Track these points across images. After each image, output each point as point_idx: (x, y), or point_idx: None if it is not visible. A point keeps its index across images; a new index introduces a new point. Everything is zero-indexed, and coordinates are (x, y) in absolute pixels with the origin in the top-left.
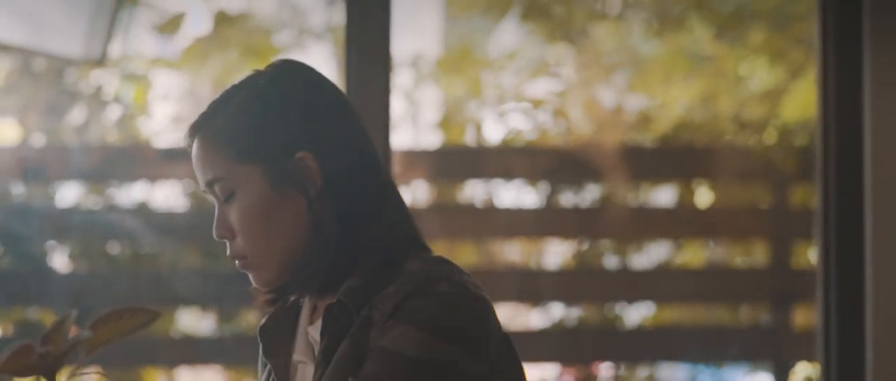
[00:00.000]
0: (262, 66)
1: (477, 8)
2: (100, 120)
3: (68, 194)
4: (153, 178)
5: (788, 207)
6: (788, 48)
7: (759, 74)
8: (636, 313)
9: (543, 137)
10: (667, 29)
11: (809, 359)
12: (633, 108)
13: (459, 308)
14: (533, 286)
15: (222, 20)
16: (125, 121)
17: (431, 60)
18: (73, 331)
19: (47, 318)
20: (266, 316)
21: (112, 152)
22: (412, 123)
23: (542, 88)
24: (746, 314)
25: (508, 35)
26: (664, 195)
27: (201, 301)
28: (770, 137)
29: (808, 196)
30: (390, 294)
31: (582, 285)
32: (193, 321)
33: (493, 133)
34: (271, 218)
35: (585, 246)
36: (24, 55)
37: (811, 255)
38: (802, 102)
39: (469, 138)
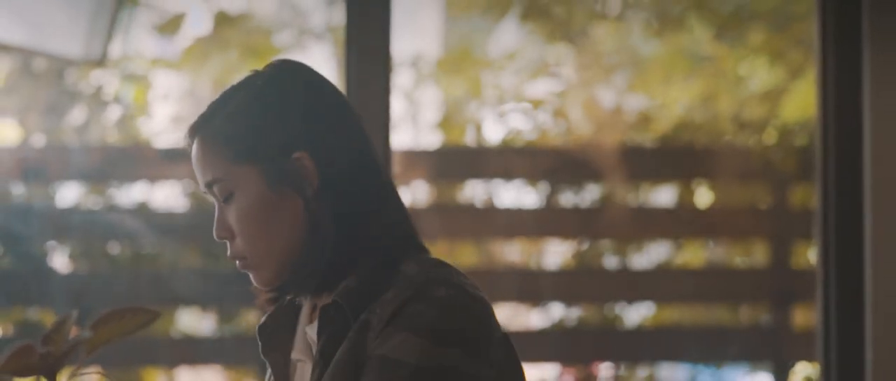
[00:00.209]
0: (261, 66)
1: (477, 8)
2: (100, 120)
3: (68, 195)
4: (153, 178)
5: (788, 207)
6: (788, 48)
7: (758, 75)
8: (636, 313)
9: (543, 137)
10: (667, 29)
11: (809, 359)
12: (633, 108)
13: (458, 311)
14: (533, 286)
15: (222, 20)
16: (125, 121)
17: (431, 60)
18: (73, 331)
19: (47, 318)
20: (265, 315)
21: (112, 153)
22: (412, 123)
23: (541, 88)
24: (746, 314)
25: (508, 35)
26: (664, 195)
27: (201, 301)
28: (770, 137)
29: (807, 196)
30: (389, 300)
31: (582, 285)
32: (193, 321)
33: (493, 133)
34: (269, 218)
35: (585, 246)
36: (25, 55)
37: (811, 255)
38: (802, 102)
39: (469, 138)
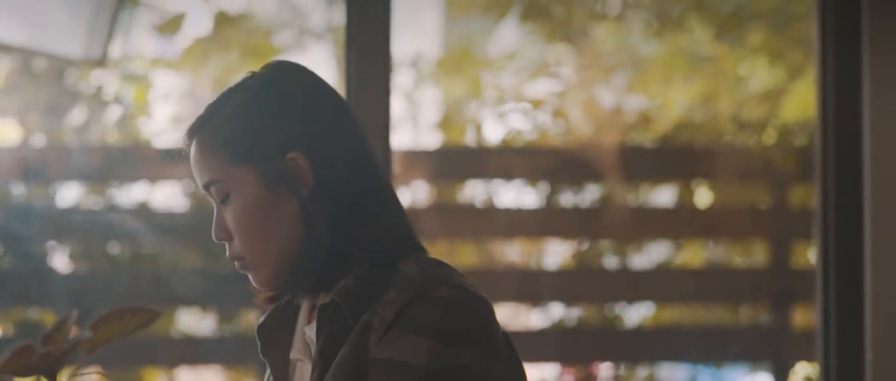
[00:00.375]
0: (261, 66)
1: (477, 8)
2: (100, 120)
3: (69, 195)
4: (153, 178)
5: (788, 207)
6: (788, 48)
7: (758, 75)
8: (636, 313)
9: (543, 137)
10: (666, 29)
11: (809, 359)
12: (633, 108)
13: (463, 311)
14: (533, 286)
15: (222, 21)
16: (125, 121)
17: (431, 61)
18: (73, 331)
19: (48, 318)
20: (264, 315)
21: (112, 153)
22: (412, 124)
23: (541, 88)
24: (746, 314)
25: (508, 35)
26: (664, 195)
27: (201, 301)
28: (769, 137)
29: (807, 196)
30: (391, 300)
31: (582, 285)
32: (193, 321)
33: (493, 133)
34: (266, 219)
35: (585, 246)
36: (25, 55)
37: (810, 255)
38: (802, 102)
39: (469, 139)
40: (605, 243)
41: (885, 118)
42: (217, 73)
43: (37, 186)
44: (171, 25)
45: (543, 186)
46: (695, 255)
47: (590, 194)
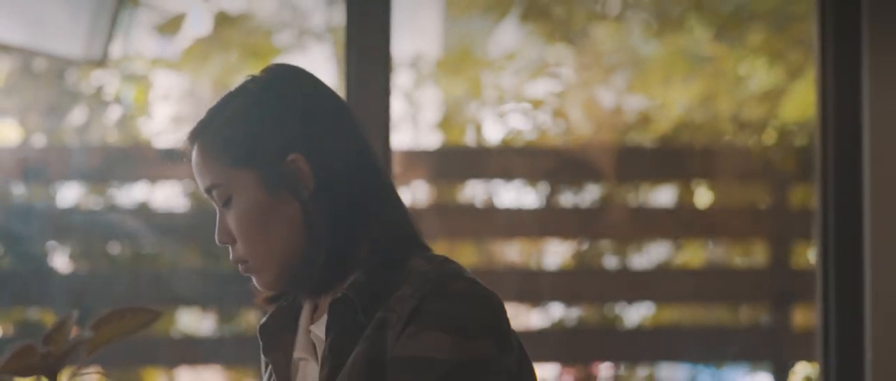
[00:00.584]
0: (262, 67)
1: (477, 8)
2: (100, 120)
3: (69, 195)
4: (153, 178)
5: (788, 207)
6: (787, 49)
7: (758, 75)
8: (636, 313)
9: (543, 137)
10: (666, 30)
11: (809, 359)
12: (633, 108)
13: (479, 304)
14: (533, 286)
15: (223, 21)
16: (126, 121)
17: (431, 61)
18: (74, 331)
19: (48, 318)
20: (266, 315)
21: (112, 153)
22: (412, 124)
23: (541, 88)
24: (746, 314)
25: (508, 36)
26: (664, 195)
27: (201, 301)
28: (769, 137)
29: (807, 196)
30: (405, 296)
31: (582, 285)
32: (194, 322)
33: (493, 133)
34: (267, 222)
35: (585, 246)
36: (25, 56)
37: (810, 255)
38: (801, 102)
39: (469, 139)
40: (605, 243)
41: (885, 118)
42: (217, 73)
43: (37, 186)
44: (171, 25)
45: (543, 187)
46: (695, 255)
47: (590, 194)
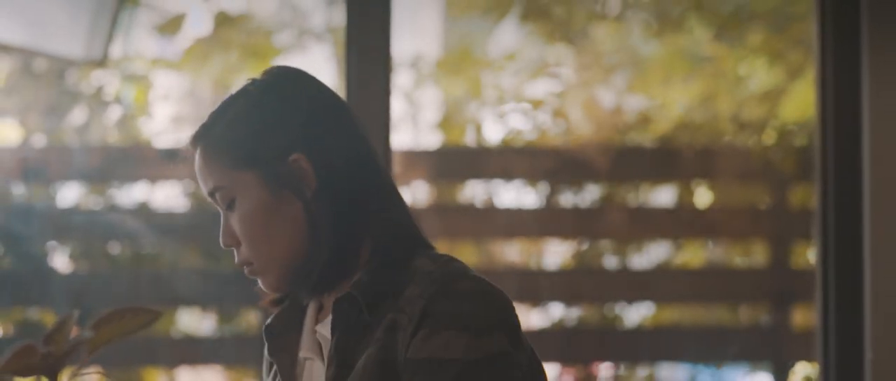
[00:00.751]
0: (262, 66)
1: (477, 8)
2: (100, 120)
3: (69, 195)
4: (154, 178)
5: (787, 207)
6: (787, 49)
7: (758, 75)
8: (636, 313)
9: (543, 137)
10: (666, 30)
11: (808, 359)
12: (633, 108)
13: (488, 301)
14: (533, 286)
15: (223, 21)
16: (126, 121)
17: (431, 61)
18: (74, 331)
19: (48, 318)
20: (271, 316)
21: (113, 153)
22: (412, 124)
23: (541, 88)
24: (746, 314)
25: (508, 36)
26: (664, 195)
27: (201, 301)
28: (769, 137)
29: (807, 196)
30: (414, 297)
31: (582, 285)
32: (194, 322)
33: (493, 133)
34: (271, 223)
35: (585, 246)
36: (25, 56)
37: (810, 255)
38: (801, 102)
39: (469, 139)
40: (605, 243)
41: (885, 118)
42: (217, 73)
43: (37, 186)
44: (171, 26)
45: (543, 187)
46: (694, 255)
47: (590, 194)
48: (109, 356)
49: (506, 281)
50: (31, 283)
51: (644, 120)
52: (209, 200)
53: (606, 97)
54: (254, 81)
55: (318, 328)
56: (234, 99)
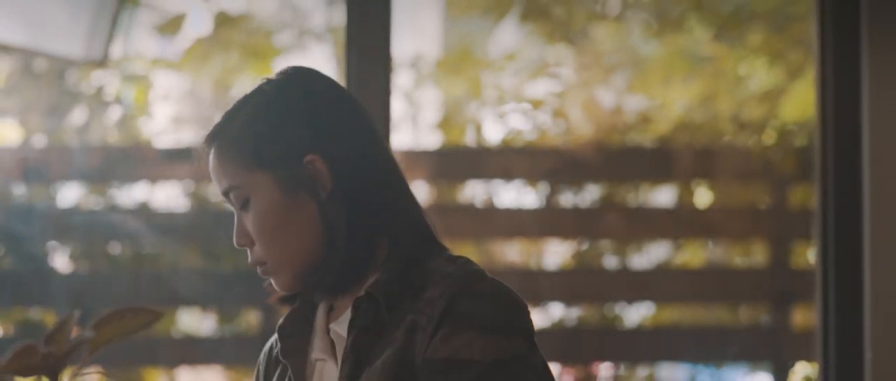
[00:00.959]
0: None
1: (477, 8)
2: (101, 120)
3: (69, 195)
4: (154, 178)
5: (787, 207)
6: (787, 49)
7: (758, 75)
8: (636, 314)
9: (543, 137)
10: (666, 30)
11: (808, 359)
12: (633, 108)
13: (507, 302)
14: (533, 286)
15: (223, 21)
16: (126, 121)
17: (431, 61)
18: (75, 331)
19: (48, 318)
20: (283, 317)
21: (113, 153)
22: (412, 124)
23: (541, 88)
24: (746, 314)
25: (508, 36)
26: (664, 195)
27: (202, 302)
28: (769, 137)
29: (807, 196)
30: (433, 298)
31: (582, 285)
32: (194, 322)
33: (493, 133)
34: (285, 223)
35: (585, 246)
36: (26, 56)
37: (810, 255)
38: (801, 102)
39: (469, 139)
40: (605, 243)
41: (885, 118)
42: (217, 73)
43: (37, 186)
44: (171, 26)
45: (543, 187)
46: (694, 255)
47: (590, 194)
48: (110, 356)
49: (506, 281)
50: (32, 283)
51: (644, 120)
52: (223, 199)
53: (606, 97)
54: (268, 81)
55: (333, 326)
56: (249, 98)
